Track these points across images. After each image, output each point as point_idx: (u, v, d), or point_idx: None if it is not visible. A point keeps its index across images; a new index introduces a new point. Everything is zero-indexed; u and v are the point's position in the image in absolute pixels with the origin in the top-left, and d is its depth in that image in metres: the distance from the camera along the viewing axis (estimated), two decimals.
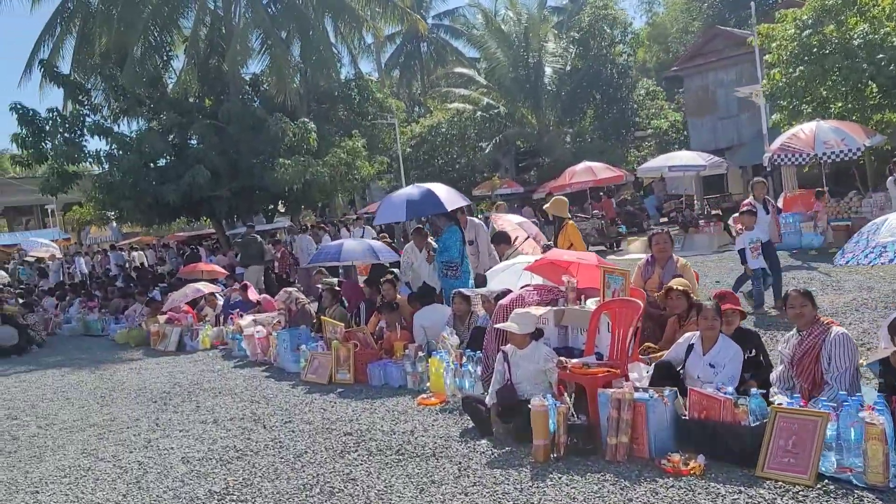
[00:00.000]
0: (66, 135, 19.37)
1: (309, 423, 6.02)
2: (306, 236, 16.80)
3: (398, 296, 8.25)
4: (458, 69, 34.00)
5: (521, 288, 6.53)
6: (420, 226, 9.25)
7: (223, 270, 14.40)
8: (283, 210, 26.61)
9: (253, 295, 11.18)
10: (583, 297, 6.14)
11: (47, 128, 19.91)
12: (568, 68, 30.04)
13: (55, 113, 20.42)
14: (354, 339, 7.44)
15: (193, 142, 21.02)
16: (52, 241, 26.38)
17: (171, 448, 5.75)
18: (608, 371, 4.80)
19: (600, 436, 4.44)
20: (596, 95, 30.18)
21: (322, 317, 8.25)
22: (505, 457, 4.65)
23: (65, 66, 21.40)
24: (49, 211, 48.24)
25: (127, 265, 23.55)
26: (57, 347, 12.79)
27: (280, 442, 5.59)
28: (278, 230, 22.51)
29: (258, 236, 15.31)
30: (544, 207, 9.80)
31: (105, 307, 15.28)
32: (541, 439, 4.43)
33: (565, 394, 4.84)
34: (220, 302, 11.87)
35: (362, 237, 14.17)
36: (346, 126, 23.76)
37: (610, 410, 4.33)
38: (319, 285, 10.07)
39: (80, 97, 21.10)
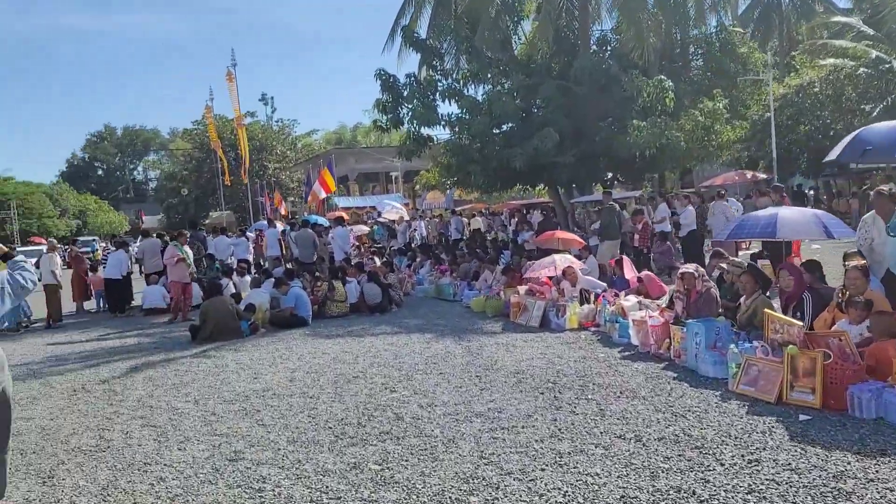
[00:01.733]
0: (421, 99, 19.80)
1: (791, 470, 4.12)
2: (689, 208, 14.42)
3: (869, 289, 5.88)
4: (835, 18, 28.58)
5: None
6: (884, 187, 6.61)
7: (580, 240, 13.03)
8: (620, 180, 24.89)
9: (630, 272, 9.54)
10: None
11: (405, 93, 20.61)
12: None
13: (412, 78, 21.08)
14: (821, 346, 5.31)
15: (538, 105, 20.18)
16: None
17: (597, 475, 4.29)
18: None
19: None
20: None
21: (768, 311, 6.19)
22: None
23: (422, 32, 22.06)
24: (393, 178, 52.89)
25: (465, 230, 23.84)
26: (413, 309, 12.59)
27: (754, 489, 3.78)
28: (628, 199, 20.69)
29: (616, 205, 13.65)
30: None
31: (453, 270, 14.98)
32: None
33: None
34: (580, 275, 10.47)
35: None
36: (701, 85, 20.97)
37: None
38: (723, 266, 8.03)
39: (433, 62, 21.54)
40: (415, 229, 24.88)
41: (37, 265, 13.09)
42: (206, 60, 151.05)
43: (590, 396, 6.03)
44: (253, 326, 10.73)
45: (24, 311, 13.73)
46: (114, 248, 15.87)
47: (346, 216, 28.85)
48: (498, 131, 19.98)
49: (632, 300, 8.36)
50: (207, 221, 52.83)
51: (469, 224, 24.59)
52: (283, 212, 48.16)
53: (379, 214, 27.34)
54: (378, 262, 16.51)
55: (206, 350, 9.63)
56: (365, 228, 23.93)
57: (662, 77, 17.74)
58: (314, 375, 7.60)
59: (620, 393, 6.06)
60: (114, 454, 5.39)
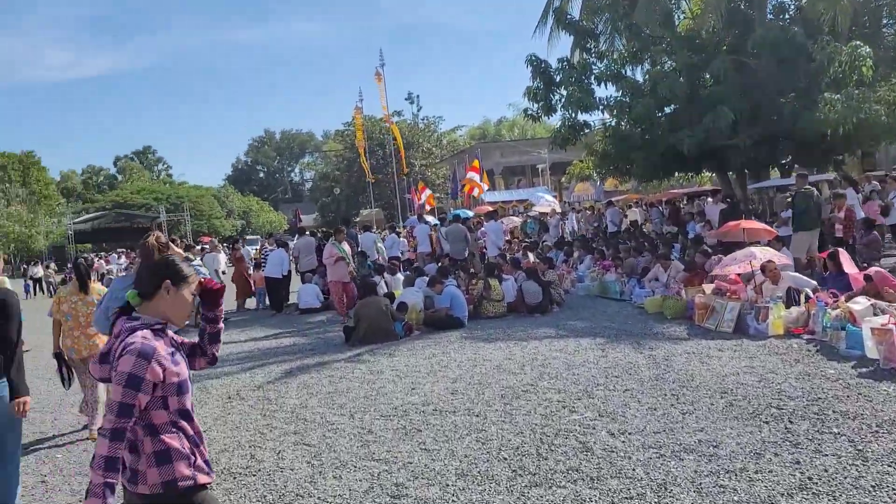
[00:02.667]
0: (577, 83, 18.57)
1: None
2: None
3: None
4: None
5: None
6: None
7: (771, 229, 11.31)
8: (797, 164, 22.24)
9: (850, 267, 7.89)
10: None
11: (558, 78, 19.46)
12: None
13: (564, 63, 19.88)
14: None
15: (706, 84, 18.30)
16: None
17: None
18: None
19: None
20: None
21: None
22: None
23: (574, 13, 20.78)
24: (539, 170, 51.63)
25: (622, 223, 22.30)
26: (576, 310, 11.47)
27: None
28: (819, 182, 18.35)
29: (814, 189, 11.76)
30: None
31: (618, 266, 13.68)
32: None
33: None
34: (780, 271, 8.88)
35: None
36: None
37: None
38: None
39: (587, 44, 20.23)
40: (566, 221, 23.62)
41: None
42: (357, 63, 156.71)
43: (835, 430, 4.70)
44: (407, 327, 10.10)
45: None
46: (273, 248, 16.00)
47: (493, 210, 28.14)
48: (661, 114, 18.36)
49: (863, 303, 6.79)
50: (358, 219, 54.30)
51: (626, 216, 22.98)
52: (427, 205, 48.35)
53: (526, 209, 26.39)
54: (532, 257, 15.52)
55: (361, 353, 9.08)
56: (516, 220, 23.00)
57: (858, 42, 15.38)
58: (477, 388, 6.73)
59: (877, 426, 4.68)
60: (264, 480, 4.78)
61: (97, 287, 6.48)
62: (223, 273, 14.58)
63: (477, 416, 5.80)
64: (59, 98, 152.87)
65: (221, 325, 2.82)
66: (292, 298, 15.69)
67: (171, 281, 2.57)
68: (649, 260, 12.79)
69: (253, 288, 16.63)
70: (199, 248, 20.23)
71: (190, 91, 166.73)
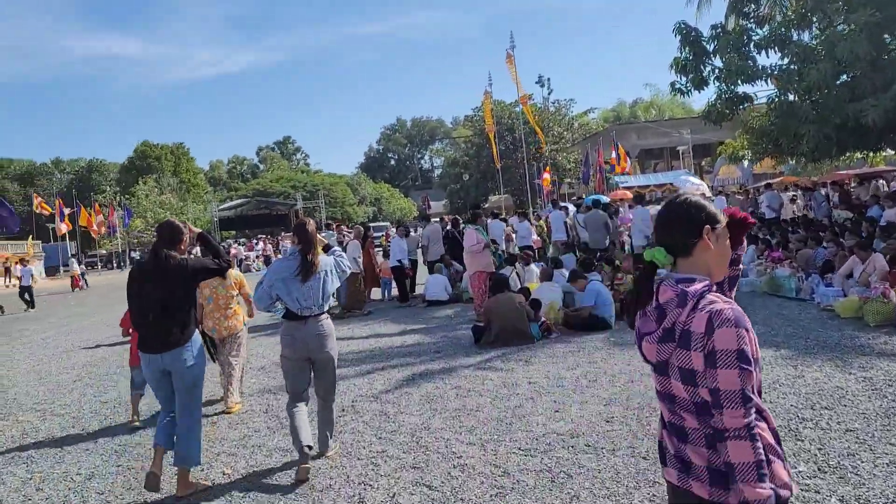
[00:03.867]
0: (735, 51, 16.40)
1: None
2: None
3: None
4: None
5: None
6: None
7: None
8: None
9: None
10: None
11: (710, 48, 17.34)
12: None
13: (718, 29, 17.70)
14: None
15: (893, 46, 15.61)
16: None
17: None
18: None
19: None
20: None
21: None
22: None
23: None
24: (680, 153, 48.40)
25: (781, 208, 19.81)
26: (747, 311, 9.61)
27: None
28: None
29: None
30: None
31: (790, 258, 11.72)
32: None
33: None
34: None
35: None
36: None
37: None
38: None
39: (745, 8, 17.92)
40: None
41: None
42: (486, 48, 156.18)
43: None
44: (545, 328, 8.86)
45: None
46: (398, 236, 15.22)
47: (627, 195, 26.16)
48: (838, 82, 15.86)
49: None
50: (486, 205, 53.36)
51: (790, 200, 20.39)
52: (545, 186, 46.50)
53: (665, 194, 24.21)
54: None
55: (492, 359, 7.95)
56: (656, 207, 21.01)
57: None
58: (637, 415, 5.40)
59: None
60: None
61: (234, 272, 6.59)
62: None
63: (644, 458, 4.49)
64: (207, 93, 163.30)
65: (741, 266, 2.29)
66: (419, 290, 14.86)
67: (711, 226, 2.03)
68: (833, 251, 10.76)
69: (380, 277, 15.97)
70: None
71: (326, 83, 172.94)
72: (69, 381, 9.02)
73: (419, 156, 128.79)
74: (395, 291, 15.02)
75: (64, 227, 46.49)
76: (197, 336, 4.71)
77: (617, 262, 11.23)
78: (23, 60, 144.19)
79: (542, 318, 9.00)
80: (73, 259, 40.45)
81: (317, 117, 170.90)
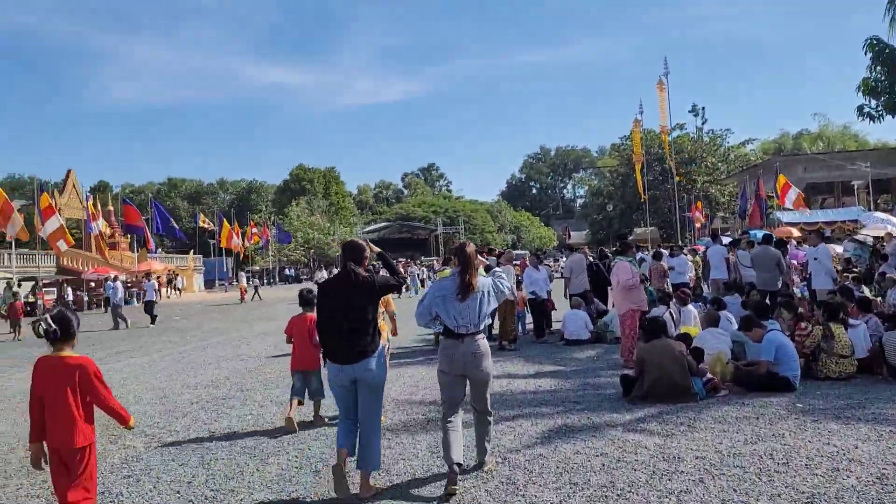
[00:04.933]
0: None
1: None
2: None
3: None
4: None
5: None
6: None
7: None
8: None
9: None
10: None
11: None
12: None
13: None
14: None
15: None
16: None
17: None
18: None
19: None
20: None
21: None
22: None
23: None
24: (854, 188, 43.69)
25: None
26: None
27: None
28: None
29: None
30: None
31: None
32: None
33: None
34: None
35: None
36: None
37: None
38: None
39: None
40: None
41: None
42: (640, 76, 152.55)
43: None
44: (711, 386, 7.38)
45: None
46: (531, 265, 14.09)
47: (797, 232, 23.45)
48: None
49: None
50: (631, 238, 50.87)
51: None
52: (696, 220, 43.33)
53: (842, 232, 21.38)
54: (868, 292, 11.69)
55: (646, 419, 6.61)
56: (837, 248, 18.42)
57: None
58: None
59: None
60: None
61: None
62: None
63: None
64: (360, 120, 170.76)
65: None
66: (555, 325, 13.63)
67: None
68: None
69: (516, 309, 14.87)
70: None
71: (472, 112, 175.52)
72: (186, 404, 8.62)
73: (562, 185, 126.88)
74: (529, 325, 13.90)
75: (237, 242, 49.17)
76: (381, 346, 5.00)
77: (801, 310, 9.44)
78: (200, 89, 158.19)
79: (707, 373, 7.53)
80: (242, 273, 42.88)
81: (461, 144, 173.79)
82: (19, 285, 26.80)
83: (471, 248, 5.11)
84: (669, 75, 42.53)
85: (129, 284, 37.68)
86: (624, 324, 9.54)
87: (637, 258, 13.86)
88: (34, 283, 33.92)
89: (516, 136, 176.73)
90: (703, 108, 63.90)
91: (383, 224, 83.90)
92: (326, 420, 7.02)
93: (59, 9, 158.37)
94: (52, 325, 3.87)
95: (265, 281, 57.82)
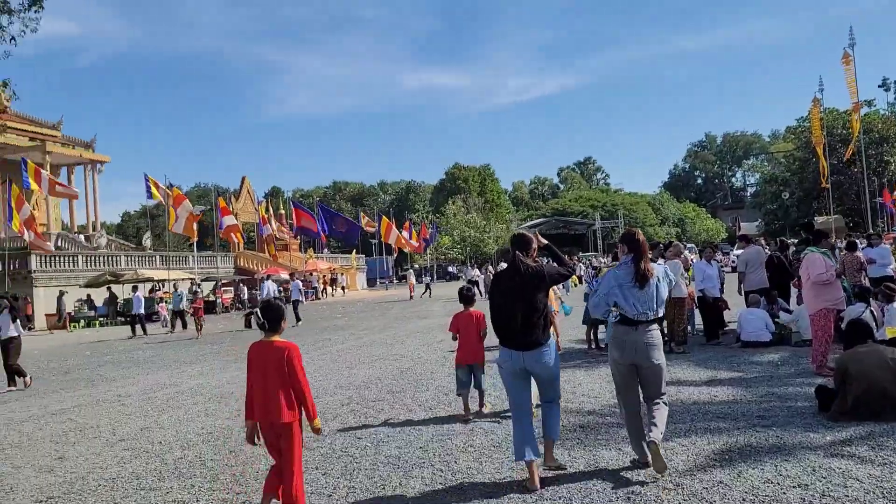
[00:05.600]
0: None
1: None
2: None
3: None
4: None
5: None
6: None
7: None
8: None
9: None
10: None
11: None
12: None
13: None
14: None
15: None
16: None
17: None
18: None
19: None
20: None
21: None
22: None
23: None
24: None
25: None
26: None
27: None
28: None
29: None
30: None
31: None
32: None
33: None
34: None
35: None
36: None
37: None
38: None
39: None
40: None
41: None
42: (816, 53, 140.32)
43: None
44: None
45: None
46: (704, 259, 12.74)
47: None
48: None
49: None
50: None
51: None
52: (890, 206, 38.32)
53: None
54: None
55: (852, 441, 5.48)
56: None
57: None
58: None
59: None
60: None
61: None
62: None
63: None
64: (515, 117, 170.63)
65: None
66: (730, 325, 12.30)
67: None
68: None
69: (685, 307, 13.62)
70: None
71: (630, 102, 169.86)
72: (336, 405, 8.50)
73: (730, 173, 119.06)
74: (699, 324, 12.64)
75: (407, 240, 50.49)
76: (553, 337, 5.10)
77: None
78: (361, 96, 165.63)
79: None
80: (411, 270, 44.34)
81: (619, 136, 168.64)
82: (199, 285, 28.93)
83: (640, 235, 5.14)
84: (856, 46, 38.13)
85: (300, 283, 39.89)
86: (816, 325, 8.23)
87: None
88: (214, 283, 36.70)
89: (678, 124, 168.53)
90: (895, 82, 57.06)
91: (539, 220, 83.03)
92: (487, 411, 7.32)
93: (233, 32, 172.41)
94: (261, 318, 4.39)
95: (434, 278, 58.91)
